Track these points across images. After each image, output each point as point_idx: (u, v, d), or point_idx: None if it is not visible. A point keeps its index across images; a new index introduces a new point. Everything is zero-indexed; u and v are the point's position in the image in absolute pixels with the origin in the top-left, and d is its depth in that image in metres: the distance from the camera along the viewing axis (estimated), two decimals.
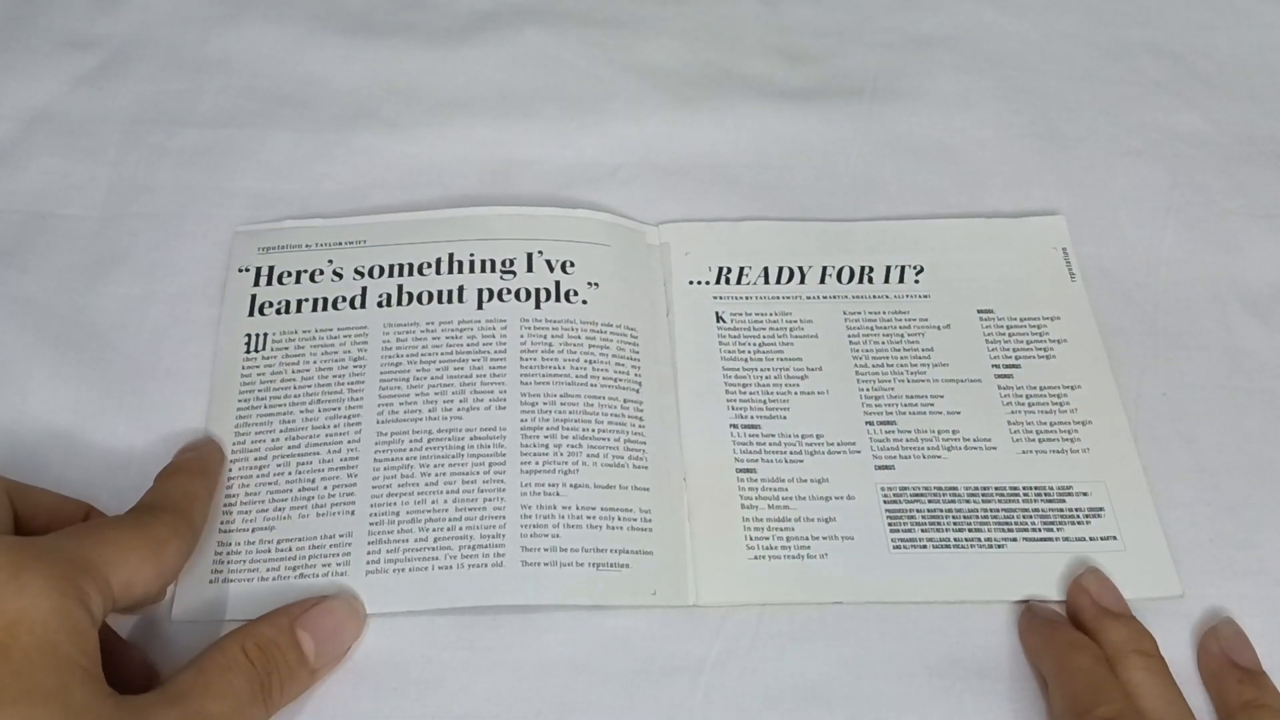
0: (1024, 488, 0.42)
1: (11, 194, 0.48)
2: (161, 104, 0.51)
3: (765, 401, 0.43)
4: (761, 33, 0.56)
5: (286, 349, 0.43)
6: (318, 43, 0.54)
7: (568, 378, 0.42)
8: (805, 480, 0.42)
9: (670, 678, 0.37)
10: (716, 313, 0.46)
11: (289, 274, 0.45)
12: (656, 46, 0.55)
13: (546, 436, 0.41)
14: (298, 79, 0.53)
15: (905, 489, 0.41)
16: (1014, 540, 0.40)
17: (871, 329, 0.45)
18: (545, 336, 0.43)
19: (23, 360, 0.43)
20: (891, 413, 0.43)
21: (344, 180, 0.49)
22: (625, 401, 0.42)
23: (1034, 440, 0.43)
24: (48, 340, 0.44)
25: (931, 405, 0.44)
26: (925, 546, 0.40)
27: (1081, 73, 0.55)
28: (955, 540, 0.40)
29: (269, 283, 0.45)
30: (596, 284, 0.45)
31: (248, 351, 0.43)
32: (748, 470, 0.42)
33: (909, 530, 0.40)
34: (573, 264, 0.45)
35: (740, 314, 0.46)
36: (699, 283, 0.46)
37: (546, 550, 0.39)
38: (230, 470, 0.40)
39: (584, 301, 0.45)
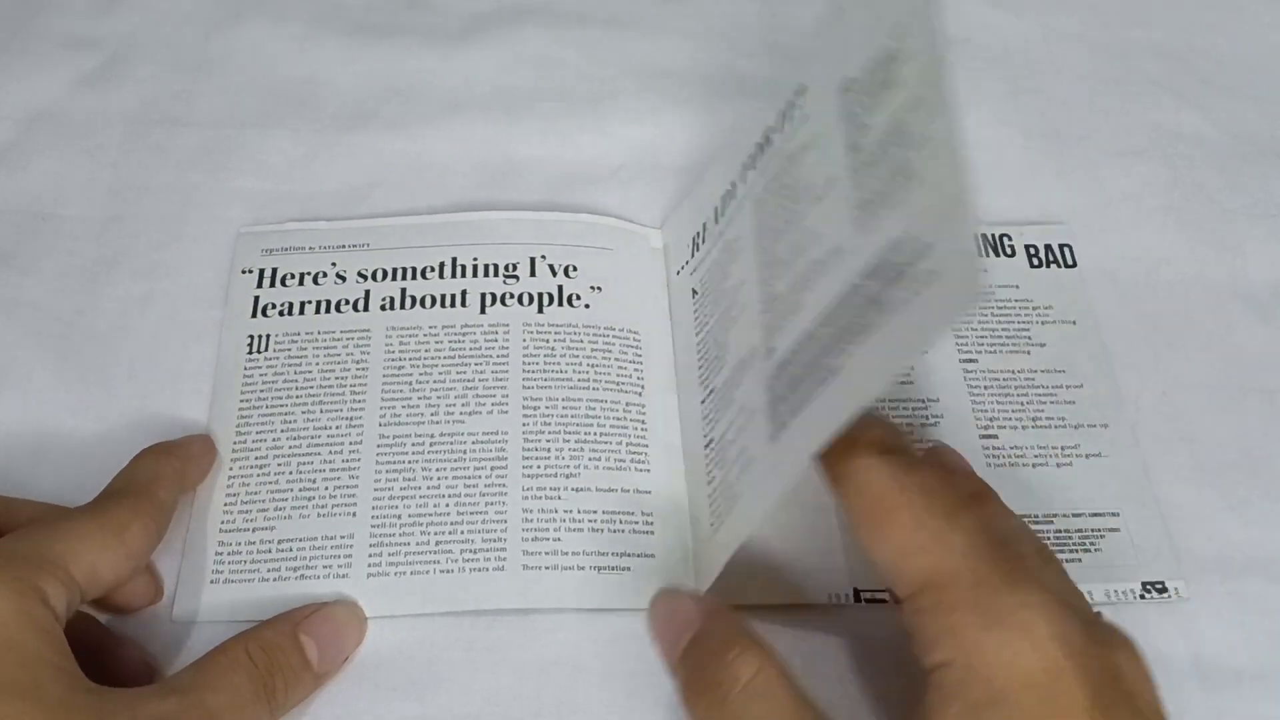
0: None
1: (11, 194, 0.48)
2: (161, 104, 0.51)
3: None
4: (761, 33, 0.56)
5: (289, 350, 0.43)
6: (318, 43, 0.54)
7: (570, 382, 0.42)
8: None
9: (670, 677, 0.37)
10: None
11: (292, 276, 0.45)
12: (656, 46, 0.55)
13: (548, 440, 0.41)
14: (298, 79, 0.53)
15: None
16: None
17: None
18: (548, 341, 0.43)
19: (23, 361, 0.43)
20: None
21: (344, 180, 0.49)
22: (627, 405, 0.42)
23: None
24: (47, 341, 0.44)
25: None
26: None
27: (1081, 73, 0.55)
28: None
29: (272, 284, 0.45)
30: (599, 288, 0.45)
31: (250, 352, 0.43)
32: None
33: None
34: (575, 268, 0.45)
35: None
36: None
37: (548, 554, 0.39)
38: (231, 469, 0.40)
39: (586, 305, 0.45)
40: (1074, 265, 0.47)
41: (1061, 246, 0.48)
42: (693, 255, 0.45)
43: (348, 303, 0.44)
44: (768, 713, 0.31)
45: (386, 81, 0.53)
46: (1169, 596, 0.39)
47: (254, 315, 0.44)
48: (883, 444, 0.32)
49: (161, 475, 0.37)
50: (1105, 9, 0.58)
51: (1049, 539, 0.40)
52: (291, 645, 0.34)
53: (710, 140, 0.51)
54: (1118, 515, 0.41)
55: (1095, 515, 0.41)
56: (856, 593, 0.39)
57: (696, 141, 0.51)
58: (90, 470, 0.40)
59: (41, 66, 0.52)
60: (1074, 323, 0.46)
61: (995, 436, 0.43)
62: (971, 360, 0.45)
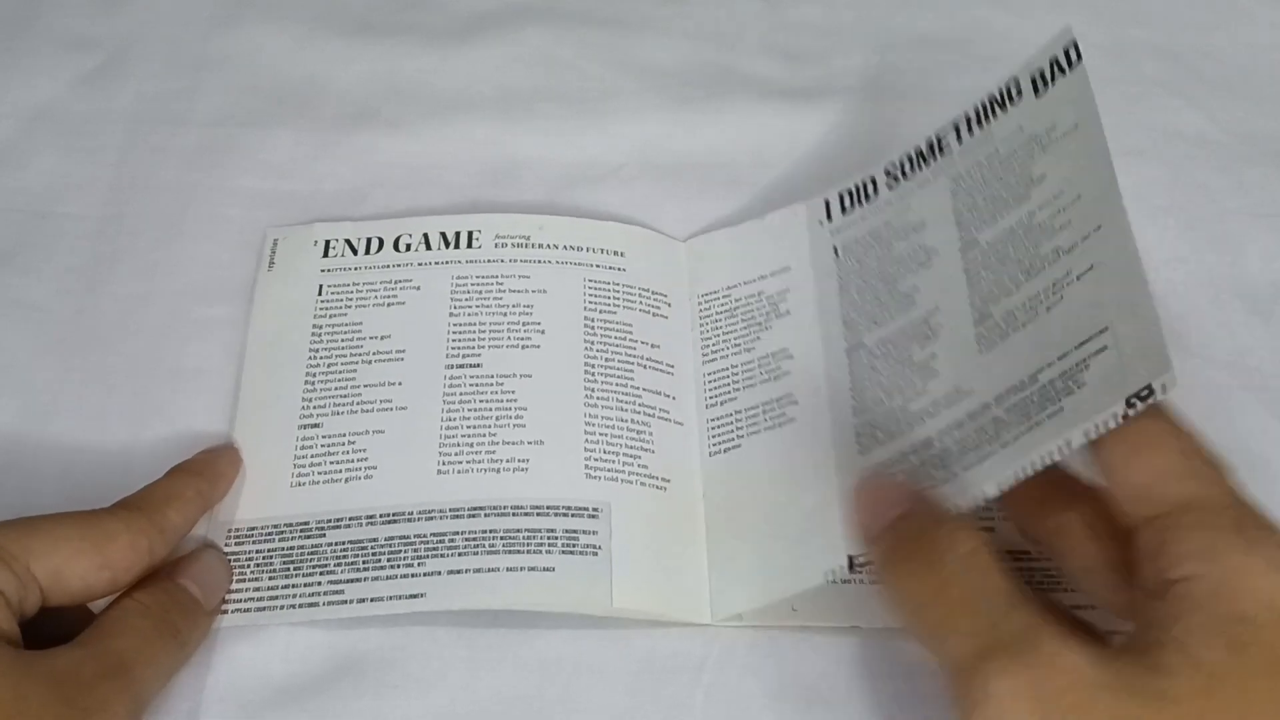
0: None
1: (11, 194, 0.48)
2: (162, 104, 0.51)
3: None
4: (761, 33, 0.56)
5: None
6: (318, 43, 0.54)
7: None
8: None
9: (671, 677, 0.37)
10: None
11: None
12: (656, 46, 0.55)
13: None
14: (298, 79, 0.53)
15: None
16: None
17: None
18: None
19: (23, 362, 0.43)
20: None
21: (345, 180, 0.49)
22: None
23: None
24: (48, 342, 0.44)
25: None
26: None
27: None
28: None
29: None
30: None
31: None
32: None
33: None
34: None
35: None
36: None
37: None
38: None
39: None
40: None
41: None
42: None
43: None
44: (980, 584, 0.31)
45: (386, 81, 0.53)
46: None
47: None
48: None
49: (179, 495, 0.37)
50: (1105, 9, 0.58)
51: None
52: (176, 587, 0.35)
53: (710, 140, 0.51)
54: None
55: None
56: (851, 561, 0.38)
57: (697, 141, 0.51)
58: (90, 470, 0.40)
59: (41, 66, 0.52)
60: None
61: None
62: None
